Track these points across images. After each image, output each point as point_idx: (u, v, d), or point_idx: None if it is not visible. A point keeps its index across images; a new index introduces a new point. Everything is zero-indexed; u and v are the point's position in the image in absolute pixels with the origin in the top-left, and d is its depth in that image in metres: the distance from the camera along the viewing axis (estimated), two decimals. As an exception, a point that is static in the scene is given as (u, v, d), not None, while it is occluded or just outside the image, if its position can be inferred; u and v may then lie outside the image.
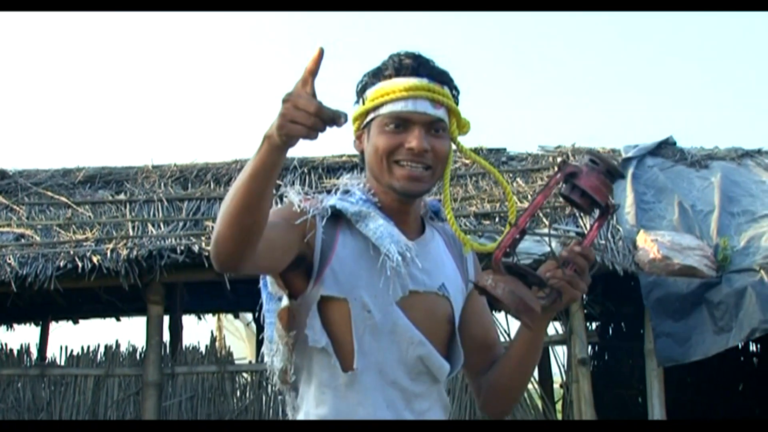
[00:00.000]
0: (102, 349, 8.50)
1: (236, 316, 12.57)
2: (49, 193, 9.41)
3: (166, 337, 8.88)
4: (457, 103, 2.12)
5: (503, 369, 2.18)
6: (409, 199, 2.12)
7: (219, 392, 8.31)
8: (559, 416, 8.10)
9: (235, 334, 12.90)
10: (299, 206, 2.07)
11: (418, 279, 2.09)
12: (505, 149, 9.96)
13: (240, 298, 9.31)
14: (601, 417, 7.80)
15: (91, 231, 8.59)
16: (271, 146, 1.73)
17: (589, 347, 8.09)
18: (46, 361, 8.90)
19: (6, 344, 8.73)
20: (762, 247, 7.65)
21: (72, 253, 7.98)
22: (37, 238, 8.44)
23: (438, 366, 2.10)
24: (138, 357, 8.42)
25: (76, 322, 10.76)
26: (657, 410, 7.50)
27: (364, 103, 2.10)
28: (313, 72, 1.70)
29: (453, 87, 2.13)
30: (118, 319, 10.63)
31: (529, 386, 8.17)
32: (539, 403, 8.03)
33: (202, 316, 11.24)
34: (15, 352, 8.63)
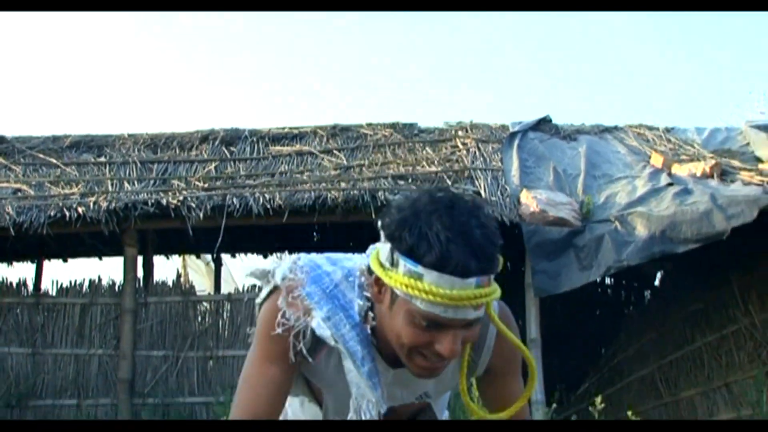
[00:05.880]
0: (87, 283, 8.42)
1: (198, 256, 12.42)
2: (42, 155, 9.19)
3: (140, 273, 8.79)
4: (497, 273, 1.46)
5: None
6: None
7: (183, 318, 8.29)
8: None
9: (197, 271, 12.75)
10: (281, 323, 1.55)
11: (395, 396, 1.65)
12: (416, 123, 9.96)
13: (201, 241, 9.22)
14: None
15: (76, 187, 8.45)
16: None
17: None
18: (41, 291, 8.77)
19: (6, 278, 8.61)
20: (617, 203, 7.81)
21: (61, 204, 7.89)
22: (32, 192, 8.28)
23: None
24: (117, 289, 8.34)
25: (65, 260, 10.56)
26: (534, 331, 7.62)
27: (394, 264, 1.43)
28: None
29: (497, 264, 1.45)
30: (100, 259, 10.44)
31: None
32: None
33: (169, 256, 11.09)
34: (14, 285, 8.50)
